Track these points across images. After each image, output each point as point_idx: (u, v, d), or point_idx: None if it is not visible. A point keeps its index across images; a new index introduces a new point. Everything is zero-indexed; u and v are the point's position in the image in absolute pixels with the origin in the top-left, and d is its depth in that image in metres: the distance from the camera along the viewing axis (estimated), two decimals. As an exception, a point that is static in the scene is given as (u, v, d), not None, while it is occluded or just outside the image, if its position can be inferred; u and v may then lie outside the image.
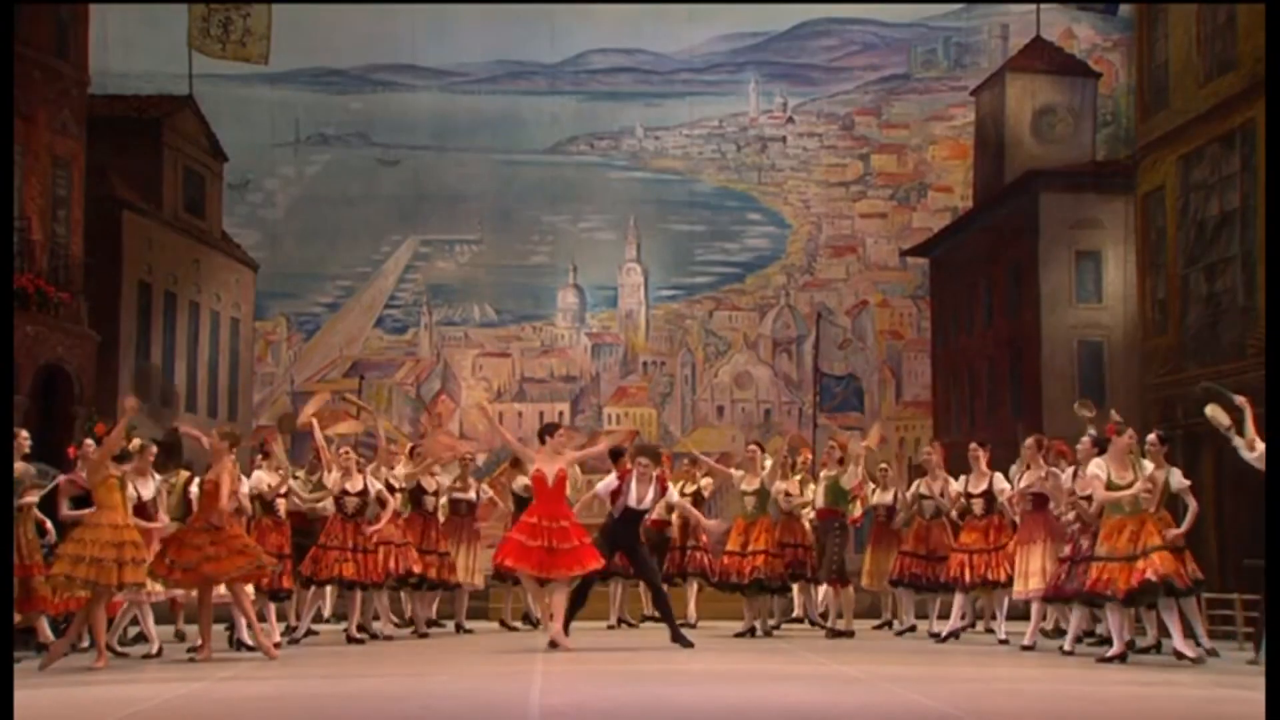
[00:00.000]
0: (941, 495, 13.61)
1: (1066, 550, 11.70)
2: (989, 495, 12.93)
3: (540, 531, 11.46)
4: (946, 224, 21.06)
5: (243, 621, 11.93)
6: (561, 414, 20.51)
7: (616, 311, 21.06)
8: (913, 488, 13.91)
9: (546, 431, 12.19)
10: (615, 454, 12.67)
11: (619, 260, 21.08)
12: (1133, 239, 19.92)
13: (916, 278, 21.14)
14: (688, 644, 11.89)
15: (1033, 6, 20.85)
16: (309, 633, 13.29)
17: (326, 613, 14.67)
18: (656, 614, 13.44)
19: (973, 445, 13.22)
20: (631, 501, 12.04)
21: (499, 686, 9.26)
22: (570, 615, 11.85)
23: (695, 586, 15.31)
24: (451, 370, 20.76)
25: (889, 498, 14.72)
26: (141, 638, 12.37)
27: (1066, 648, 11.61)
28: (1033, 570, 12.15)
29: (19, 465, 11.60)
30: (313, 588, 13.19)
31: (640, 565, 12.70)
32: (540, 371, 20.87)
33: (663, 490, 12.57)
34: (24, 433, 11.84)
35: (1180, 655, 10.67)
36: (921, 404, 20.87)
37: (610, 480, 12.25)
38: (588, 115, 21.31)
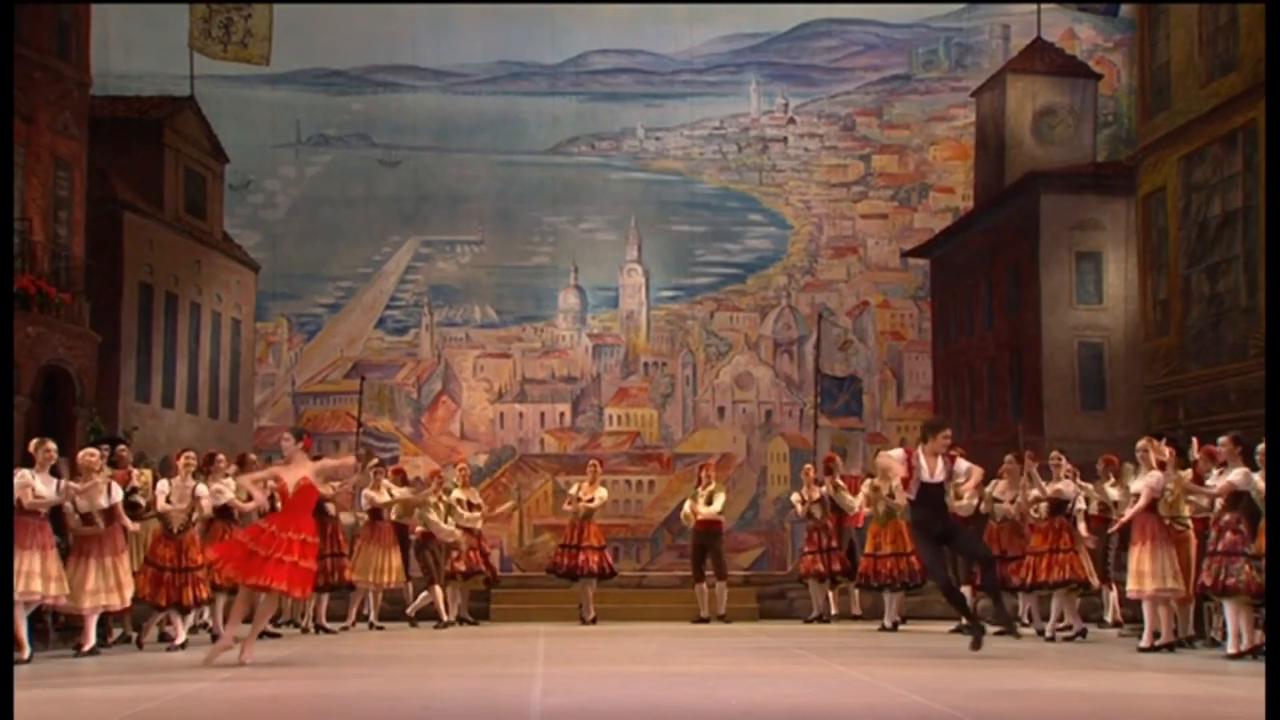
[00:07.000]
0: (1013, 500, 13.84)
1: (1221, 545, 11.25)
2: (1055, 500, 13.19)
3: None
4: (947, 225, 21.04)
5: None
6: (563, 414, 20.51)
7: (617, 312, 21.04)
8: (1035, 491, 13.47)
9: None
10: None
11: (620, 261, 21.06)
12: (1133, 240, 19.91)
13: (917, 278, 21.12)
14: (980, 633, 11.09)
15: (1034, 7, 20.83)
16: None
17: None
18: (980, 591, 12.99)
19: (1054, 453, 13.49)
20: (924, 476, 11.06)
21: (500, 687, 9.26)
22: None
23: (593, 585, 15.91)
24: (452, 371, 20.75)
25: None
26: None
27: (1232, 650, 11.05)
28: (1144, 570, 11.99)
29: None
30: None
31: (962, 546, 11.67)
32: (541, 372, 20.85)
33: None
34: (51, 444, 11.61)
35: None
36: (922, 405, 20.83)
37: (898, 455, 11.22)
38: (588, 116, 21.29)
